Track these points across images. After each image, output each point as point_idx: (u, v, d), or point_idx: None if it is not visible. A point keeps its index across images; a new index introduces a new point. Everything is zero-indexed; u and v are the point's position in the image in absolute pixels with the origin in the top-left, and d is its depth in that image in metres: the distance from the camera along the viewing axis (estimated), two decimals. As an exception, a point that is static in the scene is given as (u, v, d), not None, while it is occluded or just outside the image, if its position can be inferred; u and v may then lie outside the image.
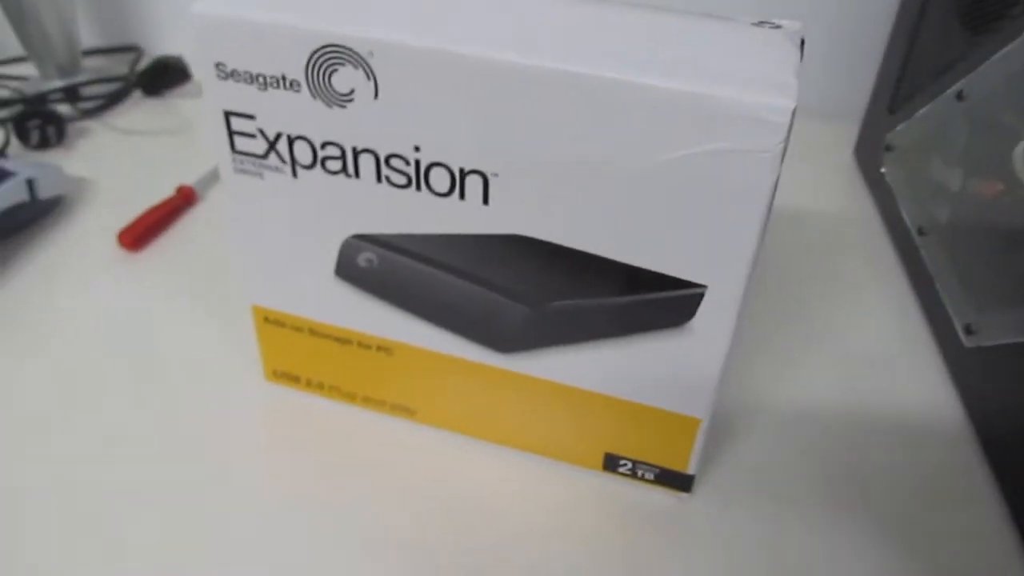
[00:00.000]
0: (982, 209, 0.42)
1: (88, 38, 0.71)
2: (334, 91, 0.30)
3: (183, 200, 0.53)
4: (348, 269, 0.35)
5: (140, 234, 0.49)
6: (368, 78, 0.29)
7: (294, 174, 0.33)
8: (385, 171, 0.31)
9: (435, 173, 0.31)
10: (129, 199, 0.53)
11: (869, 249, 0.53)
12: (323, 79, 0.30)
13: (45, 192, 0.50)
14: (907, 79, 0.53)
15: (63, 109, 0.62)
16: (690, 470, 0.36)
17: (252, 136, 0.32)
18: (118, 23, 0.72)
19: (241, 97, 0.31)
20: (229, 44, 0.30)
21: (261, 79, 0.31)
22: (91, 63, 0.69)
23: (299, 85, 0.30)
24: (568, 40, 0.28)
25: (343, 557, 0.33)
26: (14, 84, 0.66)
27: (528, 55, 0.27)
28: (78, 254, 0.49)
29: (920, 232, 0.48)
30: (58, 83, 0.64)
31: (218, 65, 0.31)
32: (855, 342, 0.45)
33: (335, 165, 0.32)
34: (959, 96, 0.45)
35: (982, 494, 0.37)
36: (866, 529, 0.35)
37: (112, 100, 0.63)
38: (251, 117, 0.32)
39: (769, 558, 0.34)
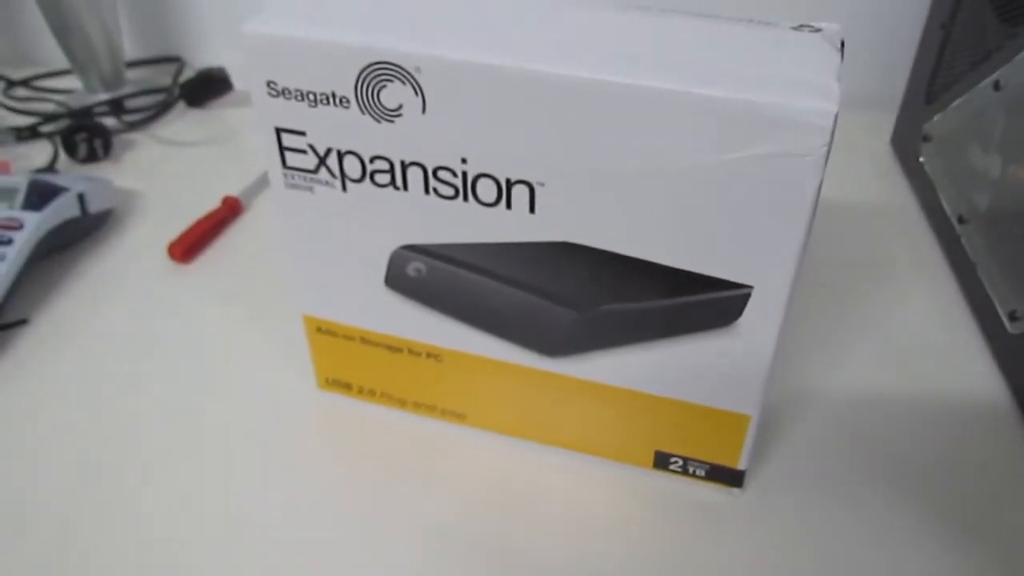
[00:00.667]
0: (1022, 196, 0.42)
1: (130, 50, 0.73)
2: (383, 107, 0.31)
3: (229, 211, 0.54)
4: (398, 279, 0.36)
5: (189, 246, 0.50)
6: (416, 93, 0.30)
7: (344, 188, 0.33)
8: (433, 183, 0.32)
9: (482, 184, 0.31)
10: (176, 211, 0.54)
11: (910, 238, 0.53)
12: (372, 95, 0.30)
13: (95, 206, 0.52)
14: (943, 70, 0.53)
15: (109, 122, 0.63)
16: (741, 466, 0.36)
17: (303, 152, 0.33)
18: (158, 34, 0.73)
19: (292, 114, 0.32)
20: (280, 63, 0.31)
21: (311, 96, 0.31)
22: (133, 74, 0.70)
23: (348, 101, 0.31)
24: (611, 50, 0.29)
25: (400, 556, 0.34)
26: (59, 97, 0.67)
27: (573, 66, 0.28)
28: (129, 267, 0.50)
29: (960, 220, 0.48)
30: (103, 96, 0.66)
31: (269, 83, 0.32)
32: (900, 332, 0.46)
33: (384, 178, 0.32)
34: (996, 86, 0.45)
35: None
36: (920, 519, 0.35)
37: (157, 112, 0.65)
38: (302, 133, 0.33)
39: (821, 552, 0.34)
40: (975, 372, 0.43)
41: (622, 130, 0.28)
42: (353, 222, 0.34)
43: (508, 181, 0.31)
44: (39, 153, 0.61)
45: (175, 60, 0.71)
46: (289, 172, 0.34)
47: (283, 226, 0.36)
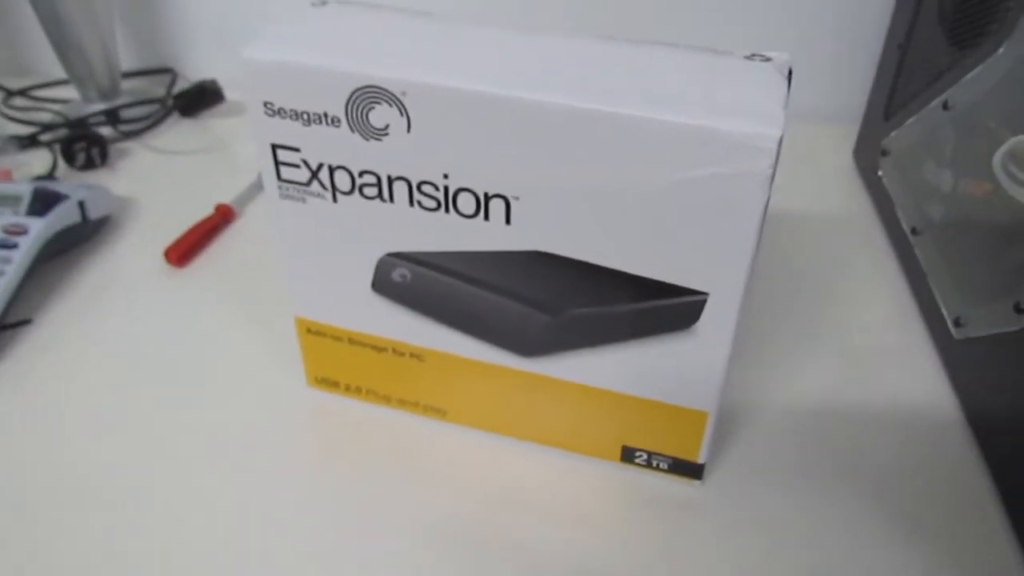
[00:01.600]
0: (971, 209, 0.45)
1: (124, 61, 0.75)
2: (371, 126, 0.33)
3: (222, 218, 0.56)
4: (384, 284, 0.38)
5: (185, 251, 0.53)
6: (402, 115, 0.33)
7: (334, 199, 0.36)
8: (417, 196, 0.35)
9: (462, 197, 0.34)
10: (171, 217, 0.57)
11: (868, 247, 0.56)
12: (361, 116, 0.33)
13: (95, 212, 0.54)
14: (899, 89, 0.56)
15: (104, 131, 0.65)
16: (700, 459, 0.39)
17: (296, 166, 0.36)
18: (151, 46, 0.75)
19: (287, 132, 0.35)
20: (277, 85, 0.34)
21: (305, 116, 0.34)
22: (127, 85, 0.73)
23: (339, 121, 0.34)
24: (579, 77, 0.31)
25: (381, 543, 0.36)
26: (56, 107, 0.70)
27: (544, 92, 0.31)
28: (127, 270, 0.53)
29: (914, 231, 0.52)
30: (99, 106, 0.68)
31: (266, 104, 0.34)
32: (854, 336, 0.49)
33: (372, 191, 0.35)
34: (945, 106, 0.48)
35: (974, 475, 0.40)
36: (864, 511, 0.38)
37: (152, 122, 0.67)
38: (296, 149, 0.35)
39: (772, 539, 0.37)
40: (923, 374, 0.46)
41: (588, 151, 0.31)
42: (343, 231, 0.37)
43: (486, 195, 0.34)
44: (37, 161, 0.63)
45: (168, 71, 0.74)
46: (283, 184, 0.37)
47: (277, 234, 0.39)
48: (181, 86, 0.72)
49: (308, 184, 0.36)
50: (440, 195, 0.34)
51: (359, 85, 0.32)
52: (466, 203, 0.34)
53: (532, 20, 0.69)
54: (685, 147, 0.30)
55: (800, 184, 0.62)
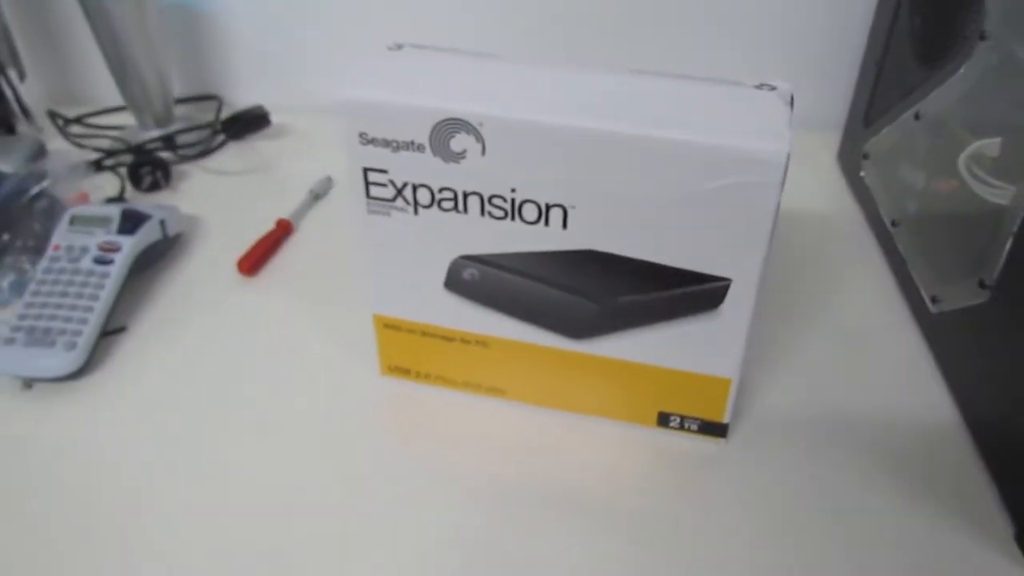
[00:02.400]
0: (941, 203, 0.53)
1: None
2: (451, 151, 0.41)
3: (283, 231, 0.63)
4: (455, 282, 0.46)
5: (255, 261, 0.60)
6: (477, 141, 0.40)
7: (415, 212, 0.43)
8: (488, 207, 0.42)
9: (527, 208, 0.41)
10: (235, 232, 0.64)
11: (854, 239, 0.64)
12: (443, 143, 0.40)
13: (172, 230, 0.61)
14: (877, 99, 0.64)
15: (164, 155, 0.72)
16: (725, 420, 0.46)
17: (384, 185, 0.43)
18: (197, 73, 0.82)
19: (377, 157, 0.42)
20: (371, 119, 0.41)
21: (394, 144, 0.41)
22: (178, 111, 0.79)
23: (424, 147, 0.41)
24: (624, 107, 0.39)
25: (452, 503, 0.44)
26: (115, 133, 0.76)
27: (593, 120, 0.38)
28: (205, 280, 0.60)
29: (893, 224, 0.59)
30: (155, 132, 0.75)
31: (361, 134, 0.42)
32: (847, 315, 0.56)
33: (448, 204, 0.43)
34: (916, 116, 0.56)
35: (953, 429, 0.48)
36: (862, 463, 0.46)
37: (206, 146, 0.74)
38: (384, 171, 0.42)
39: (787, 488, 0.45)
40: (907, 345, 0.54)
41: (634, 167, 0.38)
42: (421, 239, 0.44)
43: (547, 205, 0.41)
44: (107, 184, 0.70)
45: (214, 98, 0.81)
46: (372, 201, 0.44)
47: (363, 243, 0.46)
48: (226, 112, 0.79)
49: (393, 200, 0.43)
50: (508, 206, 0.42)
51: (442, 118, 0.40)
52: (530, 212, 0.41)
53: (559, 52, 0.76)
54: (713, 162, 0.37)
55: (790, 184, 0.70)
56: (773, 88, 0.41)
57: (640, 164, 0.38)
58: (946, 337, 0.51)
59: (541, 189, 0.41)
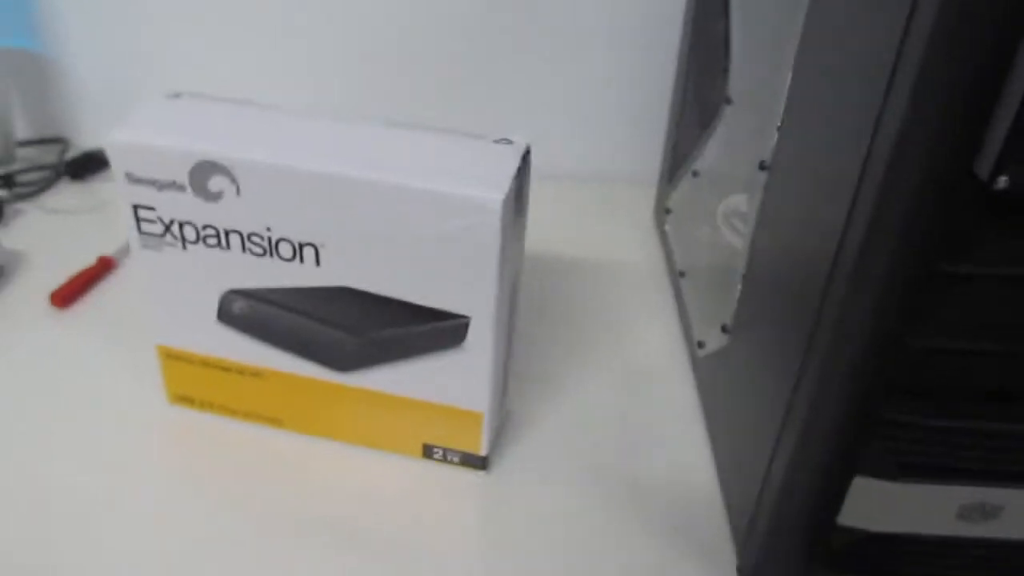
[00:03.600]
0: (709, 254, 0.58)
1: (21, 131, 0.83)
2: (209, 191, 0.43)
3: (103, 267, 0.65)
4: (227, 316, 0.48)
5: (69, 295, 0.62)
6: (232, 183, 0.43)
7: (184, 247, 0.46)
8: (248, 244, 0.45)
9: (282, 245, 0.44)
10: (56, 267, 0.65)
11: (655, 289, 0.68)
12: (201, 183, 0.43)
13: (-11, 264, 0.63)
14: (676, 158, 0.69)
15: (1, 193, 0.74)
16: (482, 452, 0.49)
17: (153, 222, 0.45)
18: (45, 118, 0.84)
19: (145, 195, 0.45)
20: (136, 160, 0.43)
21: (158, 183, 0.44)
22: (25, 152, 0.81)
23: (185, 187, 0.44)
24: (364, 155, 0.42)
25: (229, 521, 0.46)
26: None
27: (334, 166, 0.41)
28: (19, 311, 0.61)
29: (681, 274, 0.64)
30: (-4, 171, 0.76)
31: (127, 174, 0.44)
32: (633, 360, 0.60)
33: (212, 241, 0.45)
34: (695, 173, 0.61)
35: (706, 468, 0.51)
36: (614, 497, 0.49)
37: (43, 185, 0.76)
38: (152, 208, 0.45)
39: (540, 517, 0.48)
40: (681, 388, 0.57)
41: (368, 210, 0.42)
42: (192, 273, 0.47)
43: (300, 244, 0.44)
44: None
45: (60, 140, 0.83)
46: (143, 236, 0.46)
47: (140, 276, 0.48)
48: (74, 153, 0.81)
49: (163, 236, 0.46)
50: (266, 244, 0.44)
51: (198, 160, 0.43)
52: (285, 250, 0.44)
53: (345, 106, 0.80)
54: (437, 206, 0.41)
55: (610, 236, 0.74)
56: (510, 142, 0.45)
57: (375, 207, 0.42)
58: (709, 380, 0.55)
59: (292, 228, 0.44)
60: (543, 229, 0.63)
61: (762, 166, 0.44)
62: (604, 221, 0.76)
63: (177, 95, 0.48)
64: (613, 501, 0.49)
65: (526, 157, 0.44)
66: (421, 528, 0.47)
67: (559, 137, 0.77)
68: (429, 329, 0.45)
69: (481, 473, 0.50)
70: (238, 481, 0.48)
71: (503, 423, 0.53)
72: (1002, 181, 0.29)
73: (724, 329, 0.50)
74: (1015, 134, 0.28)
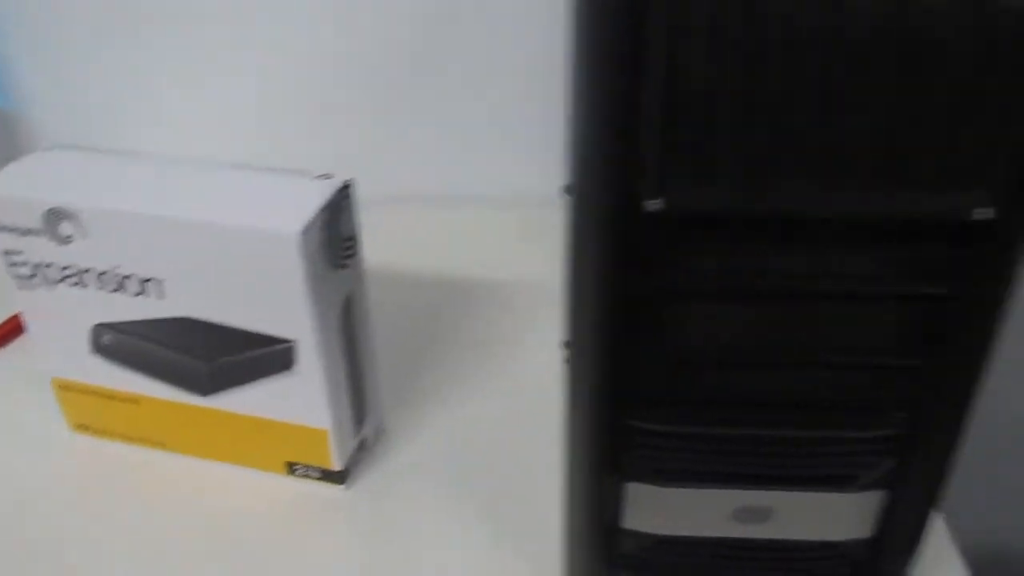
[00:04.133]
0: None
1: None
2: (61, 235, 0.48)
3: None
4: (99, 347, 0.53)
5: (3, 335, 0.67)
6: (78, 227, 0.47)
7: (52, 287, 0.51)
8: (102, 282, 0.49)
9: (129, 281, 0.49)
10: None
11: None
12: (53, 229, 0.48)
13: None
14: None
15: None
16: (336, 467, 0.53)
17: (23, 264, 0.50)
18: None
19: (11, 241, 0.49)
20: (1, 210, 0.48)
21: (20, 229, 0.49)
22: None
23: (40, 232, 0.48)
24: (194, 196, 0.46)
25: (107, 543, 0.50)
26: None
27: (163, 209, 0.45)
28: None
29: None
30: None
31: (-4, 223, 0.49)
32: (520, 381, 0.62)
33: (73, 280, 0.50)
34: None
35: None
36: (464, 513, 0.52)
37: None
38: (20, 252, 0.50)
39: (396, 530, 0.51)
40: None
41: (193, 245, 0.46)
42: (64, 309, 0.51)
43: (143, 279, 0.48)
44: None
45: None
46: (17, 279, 0.51)
47: (25, 315, 0.53)
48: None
49: (32, 277, 0.51)
50: (116, 281, 0.49)
51: (47, 208, 0.47)
52: (133, 285, 0.49)
53: (293, 151, 0.84)
54: (247, 239, 0.45)
55: (520, 258, 0.77)
56: (330, 176, 0.48)
57: (195, 243, 0.46)
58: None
59: (135, 265, 0.48)
60: (460, 253, 0.66)
61: (567, 190, 0.47)
62: (525, 242, 0.79)
63: (50, 149, 0.53)
64: (473, 517, 0.51)
65: (344, 191, 0.47)
66: (278, 541, 0.50)
67: (480, 160, 0.81)
68: (261, 354, 0.49)
69: (340, 488, 0.53)
70: (120, 501, 0.53)
71: (373, 439, 0.56)
72: (652, 204, 0.32)
73: (566, 345, 0.52)
74: (665, 157, 0.31)
